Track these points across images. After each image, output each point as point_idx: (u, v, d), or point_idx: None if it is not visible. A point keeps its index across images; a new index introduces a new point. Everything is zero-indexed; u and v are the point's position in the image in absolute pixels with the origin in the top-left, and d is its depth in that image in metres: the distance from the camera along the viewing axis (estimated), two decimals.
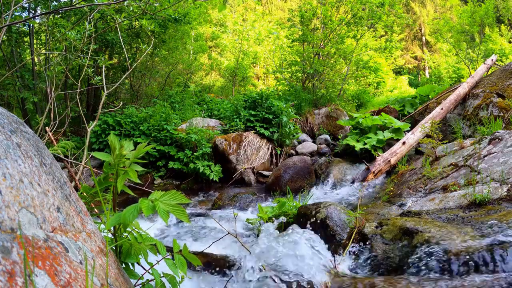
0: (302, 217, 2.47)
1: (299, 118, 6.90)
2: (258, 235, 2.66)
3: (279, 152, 5.48)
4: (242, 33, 11.98)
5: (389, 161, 4.24)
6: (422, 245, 1.64)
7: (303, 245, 2.00)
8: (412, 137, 4.57)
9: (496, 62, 6.99)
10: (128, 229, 1.11)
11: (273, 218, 2.73)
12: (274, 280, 1.65)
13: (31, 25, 5.59)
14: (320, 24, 8.25)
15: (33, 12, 5.77)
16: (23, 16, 5.51)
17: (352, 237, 2.00)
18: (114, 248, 1.06)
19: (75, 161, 2.46)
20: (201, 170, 4.64)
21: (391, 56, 18.12)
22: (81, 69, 5.91)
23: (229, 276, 1.83)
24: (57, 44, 3.98)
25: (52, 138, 2.47)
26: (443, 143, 3.91)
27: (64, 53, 3.54)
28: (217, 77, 13.45)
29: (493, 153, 3.05)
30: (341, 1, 8.11)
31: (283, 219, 2.66)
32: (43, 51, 4.92)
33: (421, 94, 7.99)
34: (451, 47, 11.94)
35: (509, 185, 2.30)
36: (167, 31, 7.00)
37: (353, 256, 1.93)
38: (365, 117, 5.62)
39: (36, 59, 5.99)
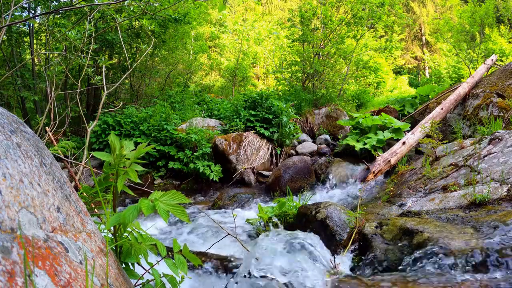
0: (302, 217, 2.47)
1: (299, 118, 6.90)
2: (258, 235, 2.66)
3: (279, 152, 5.48)
4: (242, 33, 11.98)
5: (389, 161, 4.24)
6: (422, 245, 1.64)
7: (303, 245, 2.00)
8: (412, 137, 4.57)
9: (496, 62, 6.99)
10: (128, 229, 1.11)
11: (273, 218, 2.73)
12: (273, 280, 1.65)
13: (31, 25, 5.59)
14: (320, 24, 8.25)
15: (33, 12, 5.77)
16: (23, 16, 5.51)
17: (352, 237, 2.00)
18: (114, 248, 1.06)
19: (75, 161, 2.46)
20: (201, 170, 4.64)
21: (391, 56, 18.13)
22: (81, 69, 5.91)
23: (228, 276, 1.83)
24: (57, 44, 3.98)
25: (52, 138, 2.47)
26: (443, 143, 3.91)
27: (64, 53, 3.54)
28: (217, 77, 13.45)
29: (493, 153, 3.04)
30: (341, 1, 8.10)
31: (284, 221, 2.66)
32: (43, 51, 4.92)
33: (421, 94, 7.99)
34: (451, 47, 11.93)
35: (509, 185, 2.30)
36: (167, 31, 6.99)
37: (353, 256, 1.93)
38: (365, 117, 5.62)
39: (36, 59, 5.99)
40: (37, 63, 6.00)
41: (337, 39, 7.98)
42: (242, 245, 2.04)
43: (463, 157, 3.44)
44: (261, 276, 1.72)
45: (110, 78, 6.87)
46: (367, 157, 4.84)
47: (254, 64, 14.95)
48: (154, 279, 1.07)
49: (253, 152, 5.14)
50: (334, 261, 1.88)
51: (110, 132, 3.58)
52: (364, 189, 3.92)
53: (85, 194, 1.32)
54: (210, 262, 1.98)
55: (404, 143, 4.46)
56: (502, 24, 13.18)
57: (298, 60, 8.34)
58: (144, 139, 5.09)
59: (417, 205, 2.80)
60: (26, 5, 5.45)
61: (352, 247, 1.97)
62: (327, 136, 6.47)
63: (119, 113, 5.64)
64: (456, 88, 5.87)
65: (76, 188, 2.11)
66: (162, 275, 1.09)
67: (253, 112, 5.58)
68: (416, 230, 1.76)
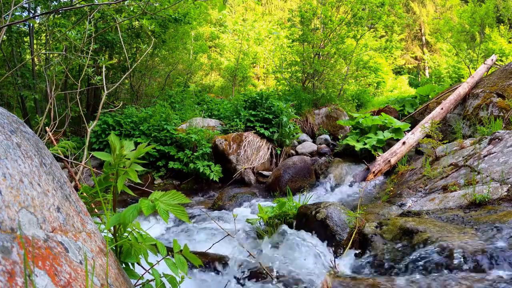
0: (302, 217, 2.47)
1: (299, 118, 6.90)
2: (258, 235, 2.66)
3: (279, 152, 5.48)
4: (242, 33, 11.98)
5: (389, 161, 4.24)
6: (422, 245, 1.64)
7: (303, 245, 2.00)
8: (412, 137, 4.57)
9: (496, 62, 6.99)
10: (128, 229, 1.11)
11: (273, 218, 2.72)
12: (273, 280, 1.65)
13: (31, 25, 5.59)
14: (320, 24, 8.25)
15: (33, 12, 5.77)
16: (23, 16, 5.51)
17: (352, 237, 2.00)
18: (114, 248, 1.06)
19: (75, 161, 2.46)
20: (201, 170, 4.64)
21: (391, 56, 18.13)
22: (81, 69, 5.91)
23: (228, 276, 1.83)
24: (57, 44, 3.98)
25: (52, 138, 2.47)
26: (443, 143, 3.91)
27: (64, 53, 3.54)
28: (217, 77, 13.45)
29: (493, 153, 3.04)
30: (341, 1, 8.11)
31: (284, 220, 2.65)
32: (43, 51, 4.92)
33: (421, 94, 7.99)
34: (451, 47, 11.93)
35: (509, 185, 2.30)
36: (167, 31, 6.99)
37: (353, 256, 1.93)
38: (365, 117, 5.62)
39: (36, 59, 5.99)
40: (37, 63, 6.00)
41: (337, 39, 7.98)
42: (242, 245, 2.04)
43: (463, 157, 3.44)
44: (261, 276, 1.72)
45: (110, 78, 6.87)
46: (367, 157, 4.84)
47: (254, 64, 14.96)
48: (154, 279, 1.07)
49: (253, 152, 5.14)
50: (334, 261, 1.88)
51: (110, 132, 3.59)
52: (364, 189, 3.92)
53: (85, 194, 1.32)
54: (210, 262, 1.98)
55: (404, 143, 4.46)
56: (502, 24, 13.17)
57: (298, 60, 8.34)
58: (144, 139, 5.09)
59: (417, 205, 2.80)
60: (26, 5, 5.45)
61: (352, 247, 1.97)
62: (327, 136, 6.47)
63: (119, 113, 5.64)
64: (456, 88, 5.87)
65: (76, 188, 2.11)
66: (162, 275, 1.09)
67: (253, 112, 5.58)
68: (416, 230, 1.76)
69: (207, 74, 13.12)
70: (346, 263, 1.89)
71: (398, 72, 20.02)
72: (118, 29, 4.43)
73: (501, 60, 10.67)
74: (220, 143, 4.97)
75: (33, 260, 0.63)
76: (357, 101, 10.01)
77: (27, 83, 5.50)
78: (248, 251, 1.98)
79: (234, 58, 11.97)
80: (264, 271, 1.70)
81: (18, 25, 5.52)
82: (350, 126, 6.25)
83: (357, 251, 1.94)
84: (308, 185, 4.50)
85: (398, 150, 4.38)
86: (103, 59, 3.21)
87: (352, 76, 9.68)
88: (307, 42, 8.05)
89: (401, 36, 19.54)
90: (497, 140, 3.30)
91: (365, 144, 5.02)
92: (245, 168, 4.94)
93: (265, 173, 5.11)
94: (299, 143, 6.18)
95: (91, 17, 3.68)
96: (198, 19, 9.18)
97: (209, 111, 6.74)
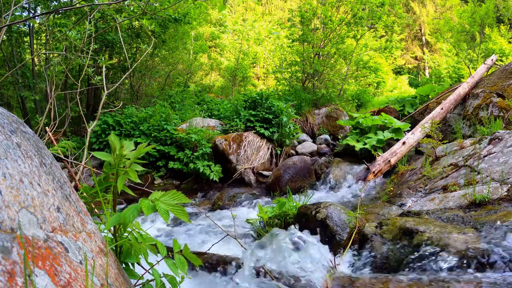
0: (302, 217, 2.47)
1: (299, 118, 6.90)
2: (258, 235, 2.66)
3: (279, 152, 5.47)
4: (242, 33, 11.98)
5: (389, 161, 4.24)
6: (422, 245, 1.64)
7: (303, 245, 2.00)
8: (412, 137, 4.57)
9: (496, 62, 6.98)
10: (129, 229, 1.11)
11: (273, 218, 2.73)
12: (273, 280, 1.66)
13: (31, 25, 5.59)
14: (320, 24, 8.25)
15: (33, 12, 5.77)
16: (23, 16, 5.51)
17: (352, 237, 1.99)
18: (114, 248, 1.06)
19: (75, 161, 2.46)
20: (201, 170, 4.64)
21: (391, 56, 18.14)
22: (81, 69, 5.91)
23: (228, 276, 1.83)
24: (57, 44, 3.98)
25: (52, 138, 2.47)
26: (443, 143, 3.91)
27: (64, 53, 3.54)
28: (217, 77, 13.45)
29: (493, 153, 3.04)
30: (341, 1, 8.11)
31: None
32: (43, 51, 4.92)
33: (421, 94, 7.99)
34: (451, 47, 11.93)
35: (509, 185, 2.30)
36: (167, 31, 7.00)
37: (353, 256, 1.93)
38: (365, 117, 5.62)
39: (36, 59, 5.99)
40: (37, 63, 6.00)
41: (337, 39, 7.98)
42: (241, 245, 2.04)
43: (463, 157, 3.44)
44: (261, 276, 1.72)
45: (110, 78, 6.87)
46: (367, 157, 4.84)
47: (254, 64, 14.96)
48: (154, 279, 1.07)
49: (253, 152, 5.14)
50: (334, 261, 1.88)
51: (110, 132, 3.58)
52: (364, 189, 3.92)
53: (85, 194, 1.32)
54: (210, 262, 1.98)
55: (404, 143, 4.46)
56: (502, 24, 13.18)
57: (298, 60, 8.34)
58: (144, 139, 5.09)
59: (417, 205, 2.80)
60: (26, 5, 5.45)
61: (352, 247, 1.97)
62: (327, 136, 6.47)
63: (119, 113, 5.63)
64: (456, 88, 5.87)
65: (76, 188, 2.11)
66: (162, 275, 1.09)
67: (253, 112, 5.58)
68: (416, 230, 1.76)
69: (207, 74, 13.13)
70: (346, 263, 1.89)
71: (398, 72, 20.03)
72: (118, 29, 4.43)
73: (501, 60, 10.67)
74: (220, 143, 4.97)
75: (33, 260, 0.63)
76: (357, 101, 10.01)
77: (27, 83, 5.50)
78: (248, 251, 1.98)
79: (234, 58, 11.98)
80: (264, 271, 1.70)
81: (18, 25, 5.52)
82: (350, 126, 6.25)
83: (357, 251, 1.94)
84: (308, 185, 4.50)
85: (398, 150, 4.38)
86: (103, 59, 3.21)
87: (352, 76, 9.68)
88: (307, 42, 8.05)
89: (401, 36, 19.55)
90: (497, 140, 3.30)
91: (365, 144, 5.01)
92: (245, 168, 4.94)
93: (265, 173, 5.10)
94: (299, 143, 6.18)
95: (91, 17, 3.68)
96: (198, 19, 9.18)
97: (209, 111, 6.74)
